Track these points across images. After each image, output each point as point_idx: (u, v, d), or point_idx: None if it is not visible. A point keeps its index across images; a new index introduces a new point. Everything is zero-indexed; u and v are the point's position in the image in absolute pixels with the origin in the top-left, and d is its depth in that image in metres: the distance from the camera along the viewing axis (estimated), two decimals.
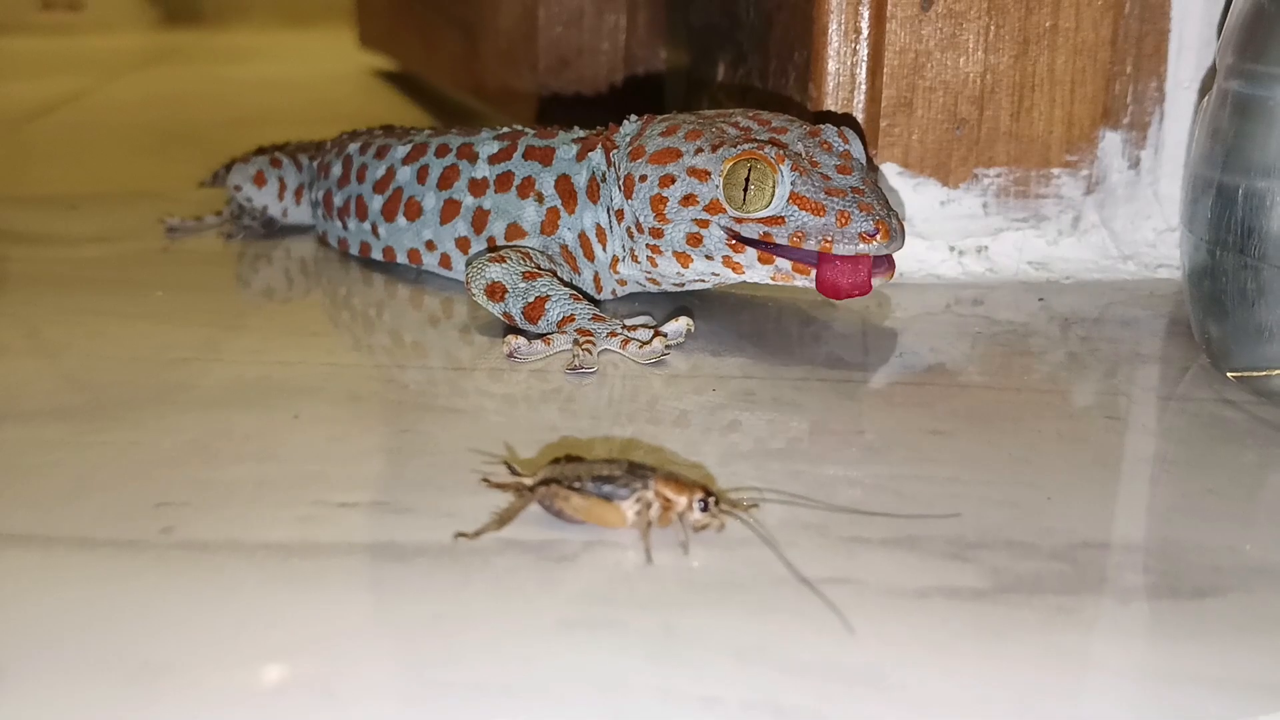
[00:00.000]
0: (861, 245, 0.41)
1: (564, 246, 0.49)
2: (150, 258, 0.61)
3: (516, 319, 0.46)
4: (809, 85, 0.55)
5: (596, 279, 0.50)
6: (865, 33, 0.53)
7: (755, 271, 0.44)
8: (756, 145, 0.43)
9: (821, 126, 0.45)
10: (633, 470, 0.31)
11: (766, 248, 0.43)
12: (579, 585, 0.28)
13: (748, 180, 0.42)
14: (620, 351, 0.44)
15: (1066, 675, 0.25)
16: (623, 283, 0.50)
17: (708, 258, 0.45)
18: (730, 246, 0.44)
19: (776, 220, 0.43)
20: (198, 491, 0.33)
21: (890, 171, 0.54)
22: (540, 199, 0.50)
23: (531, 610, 0.27)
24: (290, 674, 0.25)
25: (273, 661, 0.25)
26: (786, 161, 0.42)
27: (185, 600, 0.28)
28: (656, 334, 0.44)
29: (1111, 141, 0.55)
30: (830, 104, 0.54)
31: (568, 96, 0.84)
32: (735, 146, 0.43)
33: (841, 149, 0.44)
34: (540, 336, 0.44)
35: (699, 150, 0.44)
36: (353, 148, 0.58)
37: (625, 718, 0.24)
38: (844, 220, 0.41)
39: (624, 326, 0.45)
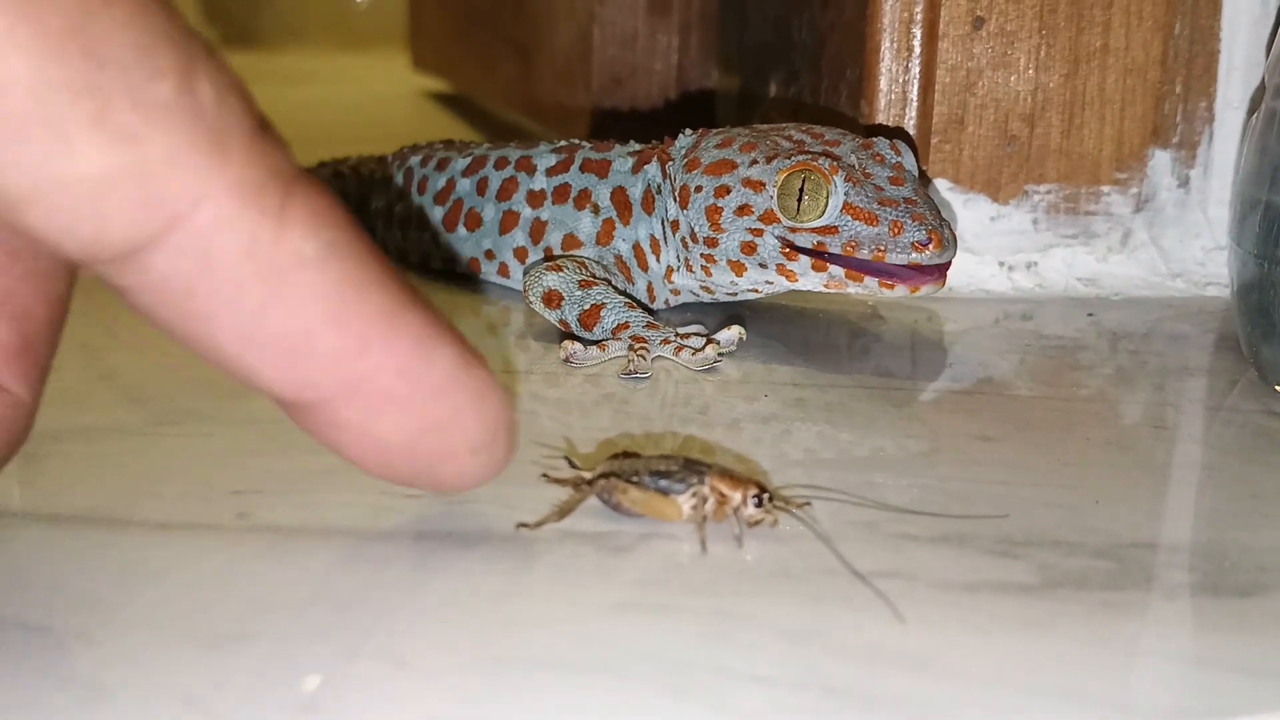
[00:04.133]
0: (914, 254, 0.42)
1: (618, 257, 0.50)
2: None
3: (573, 326, 0.47)
4: (861, 102, 0.56)
5: (650, 288, 0.51)
6: (917, 51, 0.54)
7: (809, 279, 0.45)
8: (810, 156, 0.44)
9: (874, 140, 0.46)
10: (689, 466, 0.32)
11: (821, 256, 0.44)
12: (636, 572, 0.30)
13: (802, 190, 0.43)
14: (673, 358, 0.45)
15: (1112, 662, 0.26)
16: (676, 292, 0.51)
17: (762, 266, 0.46)
18: (784, 255, 0.45)
19: (830, 230, 0.44)
20: (271, 480, 0.35)
21: (941, 187, 0.55)
22: (596, 210, 0.51)
23: (590, 594, 0.28)
24: (363, 645, 0.26)
25: (345, 634, 0.27)
26: (840, 172, 0.43)
27: (260, 579, 0.29)
28: (709, 342, 0.45)
29: (1161, 160, 0.56)
30: (882, 120, 0.55)
31: (621, 115, 0.85)
32: (789, 158, 0.44)
33: (894, 161, 0.45)
34: (596, 343, 0.46)
35: (754, 162, 0.45)
36: (413, 160, 0.60)
37: (681, 693, 0.25)
38: (897, 229, 0.42)
39: (677, 334, 0.46)
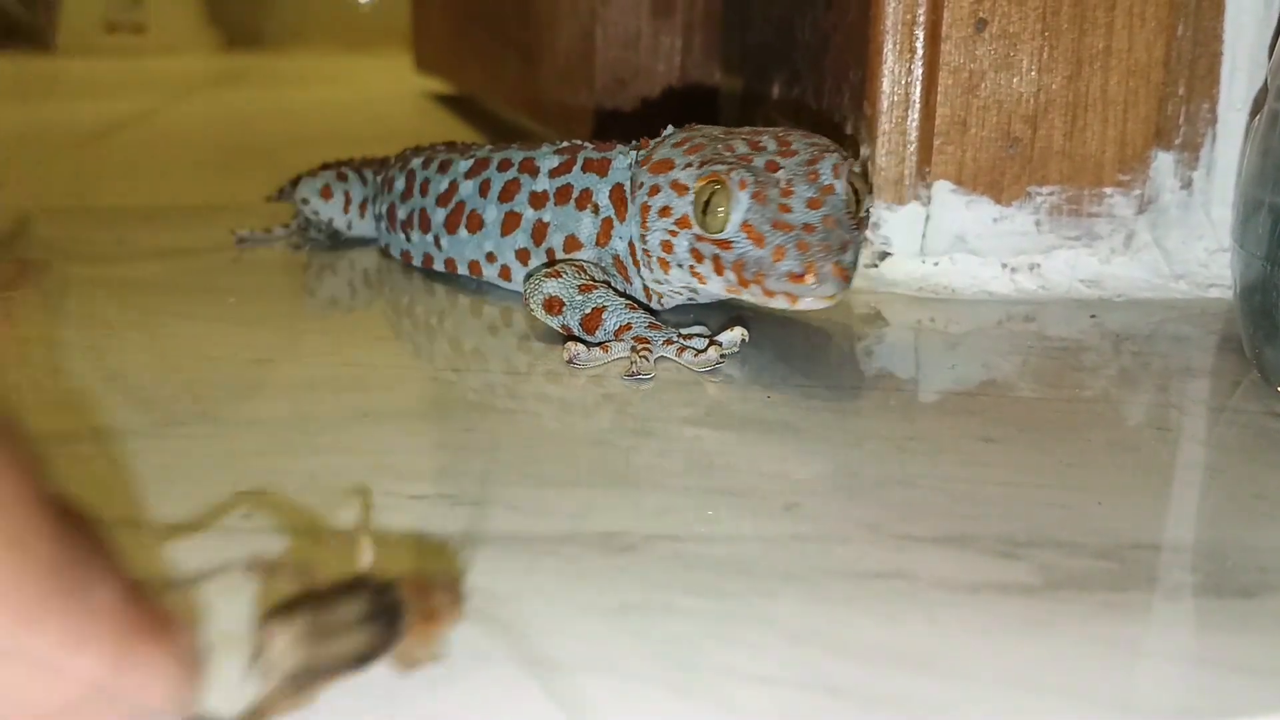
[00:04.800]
0: (789, 284, 0.42)
1: (616, 257, 0.50)
2: (223, 267, 0.63)
3: (575, 330, 0.47)
4: (864, 104, 0.56)
5: (646, 289, 0.51)
6: (920, 52, 0.54)
7: (714, 283, 0.45)
8: (729, 168, 0.44)
9: (823, 156, 0.44)
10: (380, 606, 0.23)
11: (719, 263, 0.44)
12: (641, 572, 0.30)
13: (709, 202, 0.44)
14: (676, 359, 0.45)
15: (1114, 662, 0.26)
16: (660, 294, 0.51)
17: (679, 266, 0.46)
18: (694, 256, 0.45)
19: (726, 244, 0.44)
20: (276, 481, 0.35)
21: (944, 189, 0.55)
22: (596, 210, 0.51)
23: (596, 593, 0.29)
24: None
25: None
26: (747, 189, 0.43)
27: None
28: (711, 343, 0.45)
29: (1164, 162, 0.56)
30: (885, 122, 0.55)
31: (624, 116, 0.85)
32: (714, 165, 0.44)
33: (826, 182, 0.44)
34: (599, 344, 0.46)
35: (687, 165, 0.46)
36: (416, 162, 0.60)
37: (686, 692, 0.25)
38: (779, 256, 0.42)
39: (680, 335, 0.46)
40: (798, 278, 0.41)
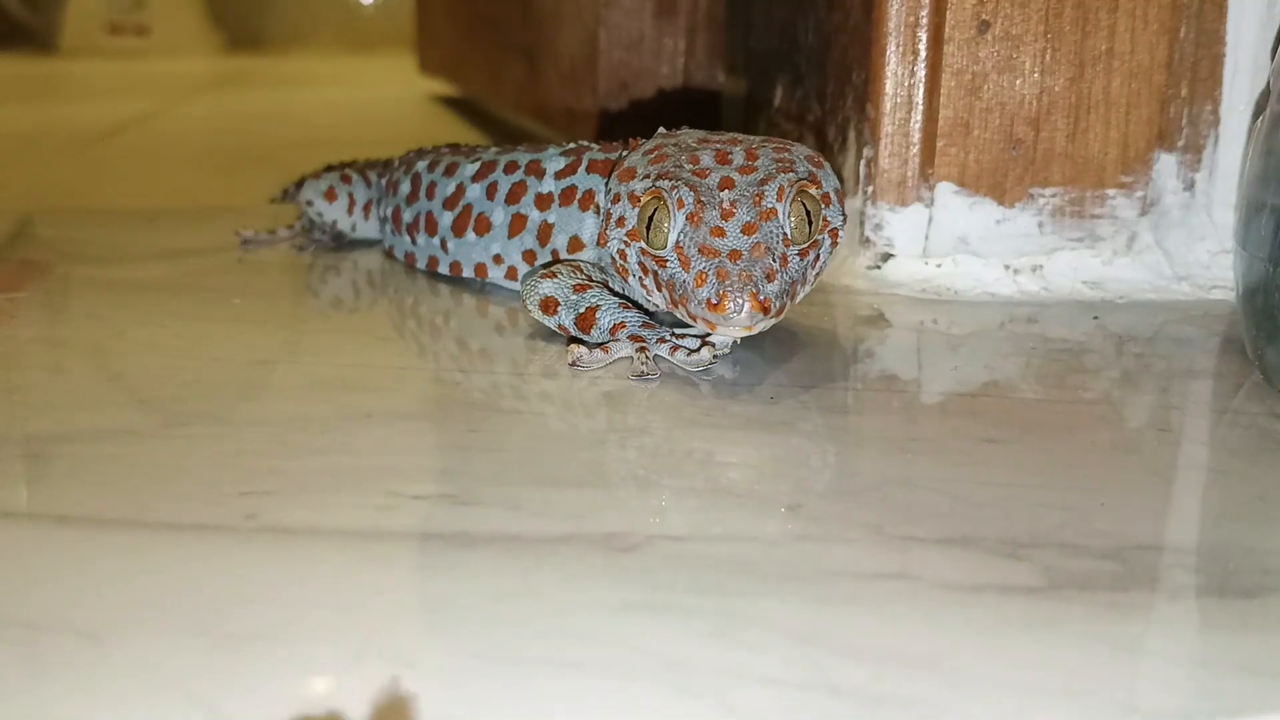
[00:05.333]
0: (706, 311, 0.41)
1: (614, 257, 0.51)
2: (227, 268, 0.63)
3: (571, 330, 0.47)
4: (867, 106, 0.56)
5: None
6: (923, 54, 0.54)
7: (656, 297, 0.46)
8: (673, 186, 0.43)
9: (779, 175, 0.44)
10: None
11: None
12: (642, 572, 0.30)
13: (652, 217, 0.44)
14: (669, 358, 0.45)
15: (1116, 662, 0.26)
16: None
17: (633, 276, 0.46)
18: (641, 269, 0.45)
19: (661, 261, 0.44)
20: (279, 481, 0.35)
21: (946, 190, 0.55)
22: (598, 211, 0.51)
23: (597, 593, 0.29)
24: (369, 646, 0.26)
25: (352, 635, 0.27)
26: (684, 209, 0.43)
27: (268, 579, 0.29)
28: (704, 343, 0.45)
29: (1166, 164, 0.56)
30: (888, 124, 0.55)
31: (628, 118, 0.85)
32: (660, 180, 0.44)
33: (768, 206, 0.43)
34: (600, 345, 0.46)
35: (645, 176, 0.46)
36: (421, 165, 0.60)
37: (688, 693, 0.25)
38: (699, 282, 0.42)
39: (673, 334, 0.46)
40: (714, 306, 0.41)
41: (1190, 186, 0.56)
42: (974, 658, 0.26)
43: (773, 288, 0.42)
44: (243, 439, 0.38)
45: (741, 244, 0.42)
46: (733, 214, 0.43)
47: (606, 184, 0.50)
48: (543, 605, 0.28)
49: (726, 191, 0.43)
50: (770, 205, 0.43)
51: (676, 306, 0.44)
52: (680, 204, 0.43)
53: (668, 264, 0.43)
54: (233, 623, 0.27)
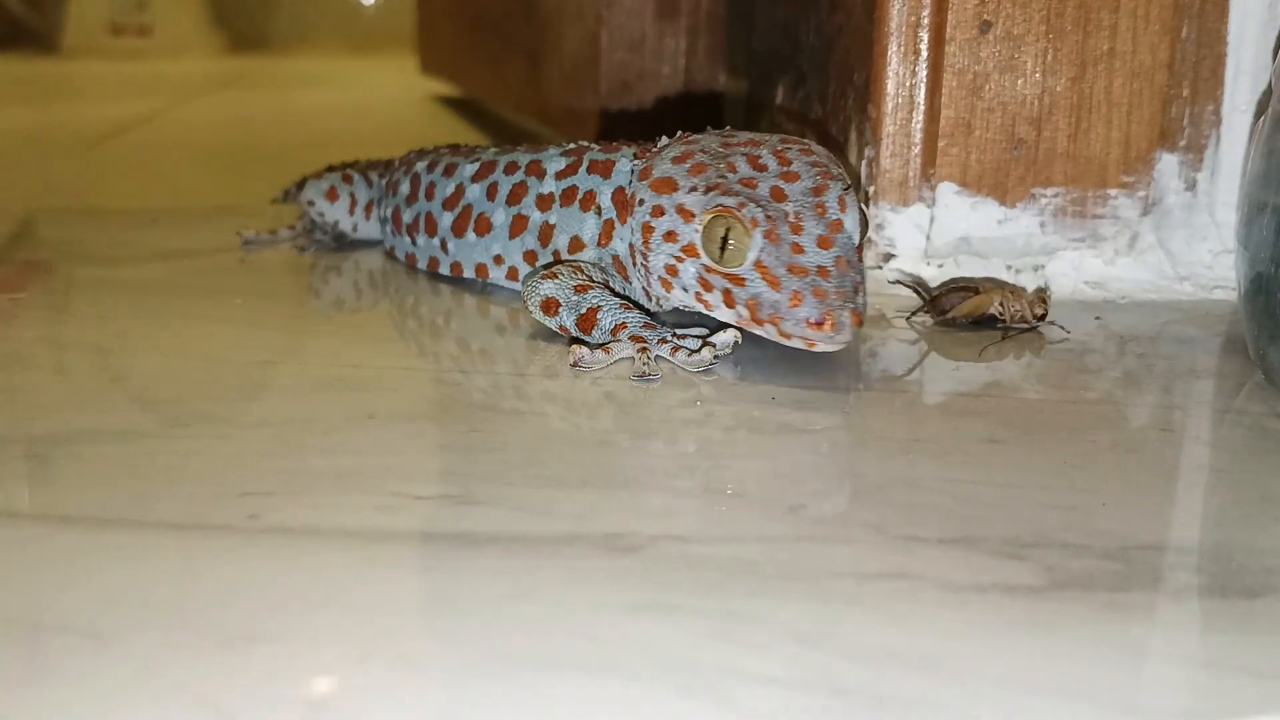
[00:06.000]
0: (807, 330, 0.42)
1: (616, 257, 0.50)
2: (228, 268, 0.63)
3: (572, 330, 0.47)
4: (868, 106, 0.56)
5: (645, 289, 0.51)
6: (925, 54, 0.54)
7: (721, 312, 0.45)
8: (740, 203, 0.43)
9: (828, 185, 0.44)
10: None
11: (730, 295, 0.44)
12: (645, 572, 0.30)
13: (724, 238, 0.43)
14: (670, 359, 0.45)
15: (1119, 662, 0.26)
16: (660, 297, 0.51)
17: (684, 289, 0.46)
18: (701, 284, 0.45)
19: (739, 281, 0.44)
20: (282, 482, 0.35)
21: (948, 190, 0.55)
22: (599, 212, 0.51)
23: (600, 594, 0.29)
24: (373, 646, 0.26)
25: (355, 635, 0.27)
26: (760, 228, 0.43)
27: (272, 580, 0.29)
28: (705, 344, 0.45)
29: (1168, 163, 0.56)
30: (889, 124, 0.55)
31: (629, 119, 0.86)
32: (723, 197, 0.44)
33: (834, 218, 0.43)
34: (601, 346, 0.46)
35: (693, 188, 0.45)
36: (420, 166, 0.60)
37: (691, 693, 0.25)
38: (796, 302, 0.42)
39: (674, 335, 0.46)
40: (816, 325, 0.42)
41: (1192, 186, 0.56)
42: (976, 658, 0.26)
43: (860, 300, 0.43)
44: (245, 439, 0.38)
45: (824, 260, 0.43)
46: (801, 228, 0.43)
47: (627, 187, 0.49)
48: (545, 605, 0.28)
49: (786, 204, 0.43)
50: (836, 217, 0.44)
51: (761, 325, 0.43)
52: (755, 223, 0.43)
53: (747, 283, 0.43)
54: (236, 622, 0.27)
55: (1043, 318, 0.50)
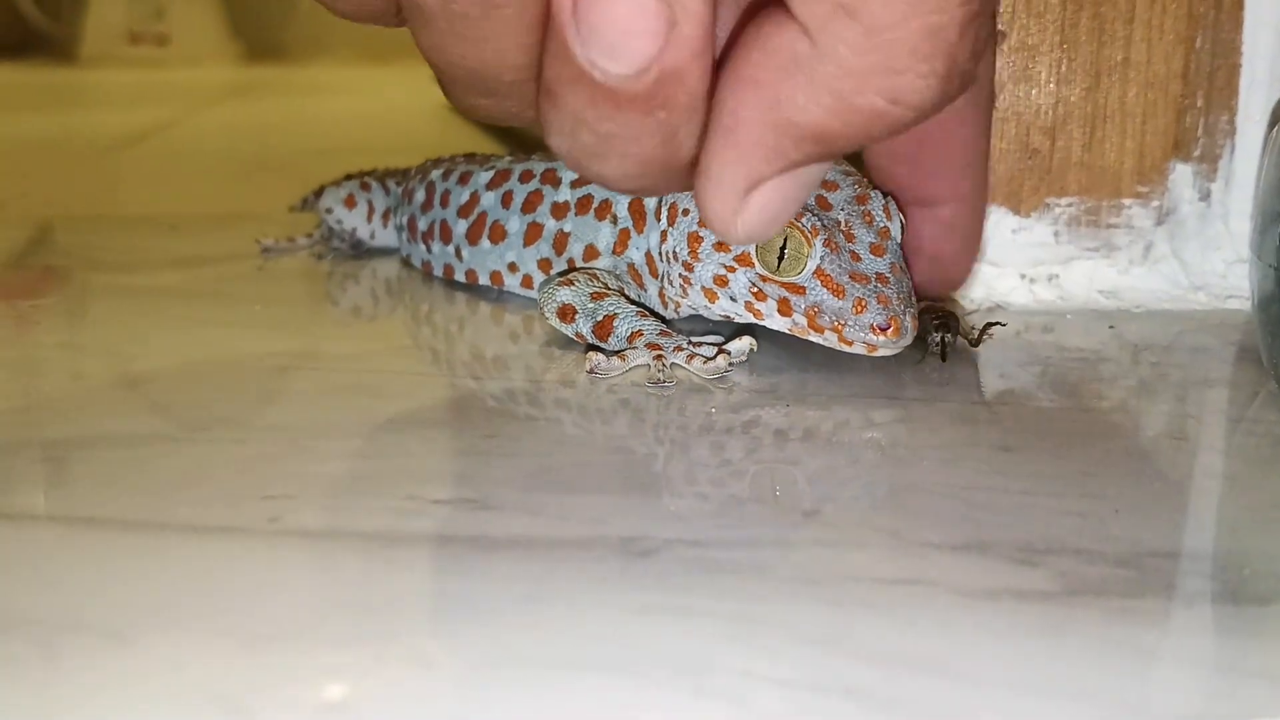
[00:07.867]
0: (871, 336, 0.43)
1: (631, 265, 0.51)
2: (247, 275, 0.63)
3: (588, 337, 0.47)
4: None
5: (662, 295, 0.51)
6: None
7: (774, 321, 0.45)
8: (798, 212, 0.44)
9: (870, 194, 0.45)
10: None
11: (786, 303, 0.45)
12: (660, 576, 0.30)
13: (782, 247, 0.44)
14: (685, 366, 0.45)
15: (1131, 668, 0.26)
16: (678, 304, 0.51)
17: (732, 299, 0.46)
18: (754, 294, 0.45)
19: (798, 289, 0.44)
20: (301, 485, 0.35)
21: None
22: (615, 220, 0.52)
23: (615, 596, 0.29)
24: (390, 648, 0.27)
25: (373, 636, 0.27)
26: (820, 235, 0.43)
27: (291, 581, 0.30)
28: (720, 351, 0.46)
29: (1182, 173, 0.56)
30: None
31: None
32: None
33: (881, 225, 0.45)
34: (617, 353, 0.46)
35: None
36: (435, 173, 0.61)
37: (704, 694, 0.25)
38: (860, 308, 0.43)
39: (690, 342, 0.46)
40: (880, 330, 0.43)
41: (1206, 196, 0.56)
42: (989, 662, 0.26)
43: (915, 304, 0.44)
44: (263, 444, 0.39)
45: (881, 266, 0.44)
46: (854, 236, 0.44)
47: (671, 200, 0.49)
48: (561, 608, 0.28)
49: (835, 213, 0.44)
50: (883, 225, 0.45)
51: (821, 333, 0.44)
52: (815, 231, 0.43)
53: (807, 291, 0.44)
54: (255, 624, 0.28)
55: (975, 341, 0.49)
